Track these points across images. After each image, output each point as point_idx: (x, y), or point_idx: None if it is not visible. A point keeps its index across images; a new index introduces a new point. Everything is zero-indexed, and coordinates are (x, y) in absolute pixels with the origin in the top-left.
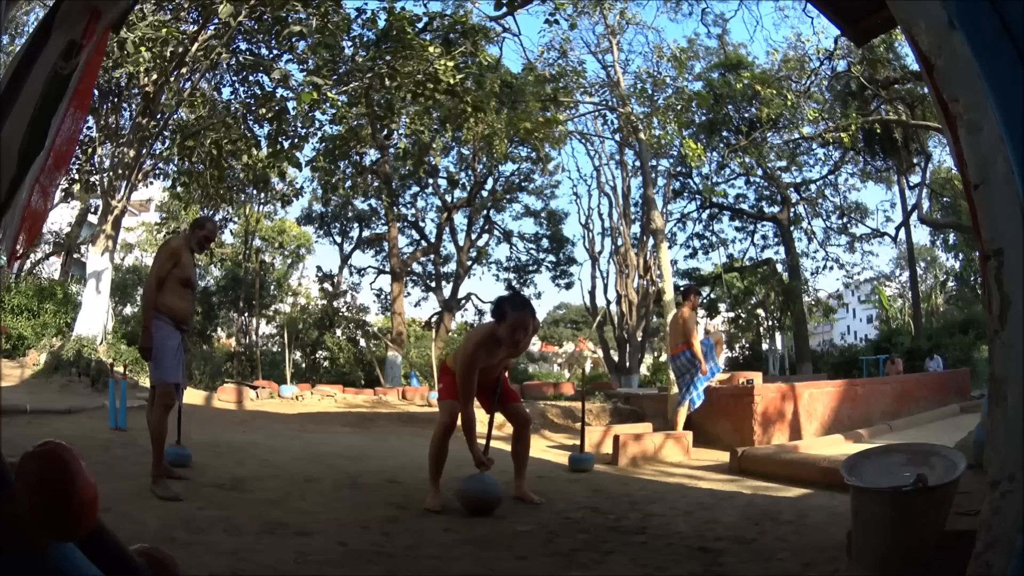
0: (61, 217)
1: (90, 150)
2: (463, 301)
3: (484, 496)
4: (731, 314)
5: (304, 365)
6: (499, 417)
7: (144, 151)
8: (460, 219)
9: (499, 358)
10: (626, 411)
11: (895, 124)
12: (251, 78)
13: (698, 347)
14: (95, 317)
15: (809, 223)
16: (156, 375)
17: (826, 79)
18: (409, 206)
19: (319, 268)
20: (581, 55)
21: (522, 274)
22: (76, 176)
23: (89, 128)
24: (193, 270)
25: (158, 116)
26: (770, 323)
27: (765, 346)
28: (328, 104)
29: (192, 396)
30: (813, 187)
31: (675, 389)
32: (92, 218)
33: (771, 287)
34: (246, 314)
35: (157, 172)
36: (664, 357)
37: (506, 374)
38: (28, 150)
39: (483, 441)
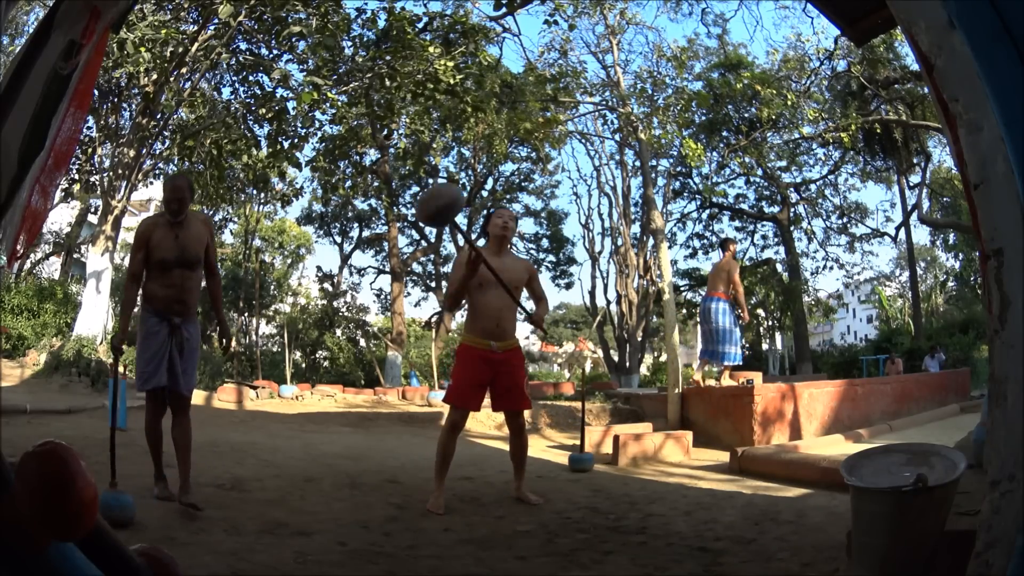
0: (61, 217)
1: (90, 150)
2: (463, 301)
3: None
4: None
5: (304, 365)
6: (499, 417)
7: (144, 151)
8: (460, 219)
9: (501, 265)
10: (626, 411)
11: (895, 124)
12: (251, 78)
13: (742, 293)
14: (95, 317)
15: (809, 223)
16: (135, 381)
17: (826, 79)
18: (409, 206)
19: (319, 268)
20: (581, 55)
21: None
22: (76, 176)
23: (89, 128)
24: (176, 244)
25: (158, 116)
26: (770, 323)
27: (765, 346)
28: (328, 104)
29: (192, 396)
30: (813, 187)
31: (676, 389)
32: (92, 218)
33: (771, 287)
34: (246, 314)
35: (157, 172)
36: (664, 357)
37: (525, 379)
38: (28, 150)
39: (484, 442)
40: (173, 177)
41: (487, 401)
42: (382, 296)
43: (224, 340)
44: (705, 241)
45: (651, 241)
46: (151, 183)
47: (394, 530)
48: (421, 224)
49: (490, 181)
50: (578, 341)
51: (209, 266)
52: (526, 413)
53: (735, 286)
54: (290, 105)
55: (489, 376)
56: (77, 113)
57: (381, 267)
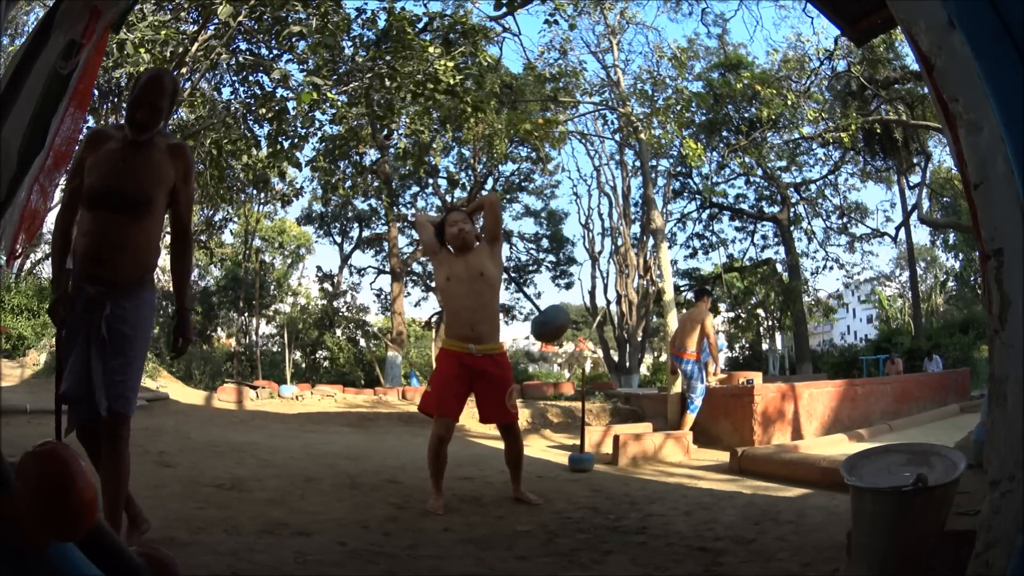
0: None
1: None
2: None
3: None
4: (731, 314)
5: (304, 365)
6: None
7: None
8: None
9: (467, 264)
10: (626, 411)
11: (895, 124)
12: (251, 78)
13: (715, 350)
14: None
15: (809, 223)
16: None
17: (826, 79)
18: (409, 206)
19: (319, 268)
20: (581, 55)
21: (522, 274)
22: None
23: (89, 128)
24: (116, 172)
25: None
26: (770, 323)
27: (765, 346)
28: (328, 104)
29: (192, 396)
30: (813, 187)
31: (676, 390)
32: None
33: (771, 287)
34: (246, 314)
35: None
36: (664, 357)
37: (510, 390)
38: (28, 150)
39: (483, 442)
40: (156, 71)
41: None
42: (382, 296)
43: (178, 335)
44: (705, 241)
45: (651, 241)
46: None
47: (394, 530)
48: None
49: (490, 181)
50: (578, 341)
51: (177, 220)
52: (524, 414)
53: (709, 339)
54: (290, 105)
55: (467, 381)
56: (77, 113)
57: (381, 267)
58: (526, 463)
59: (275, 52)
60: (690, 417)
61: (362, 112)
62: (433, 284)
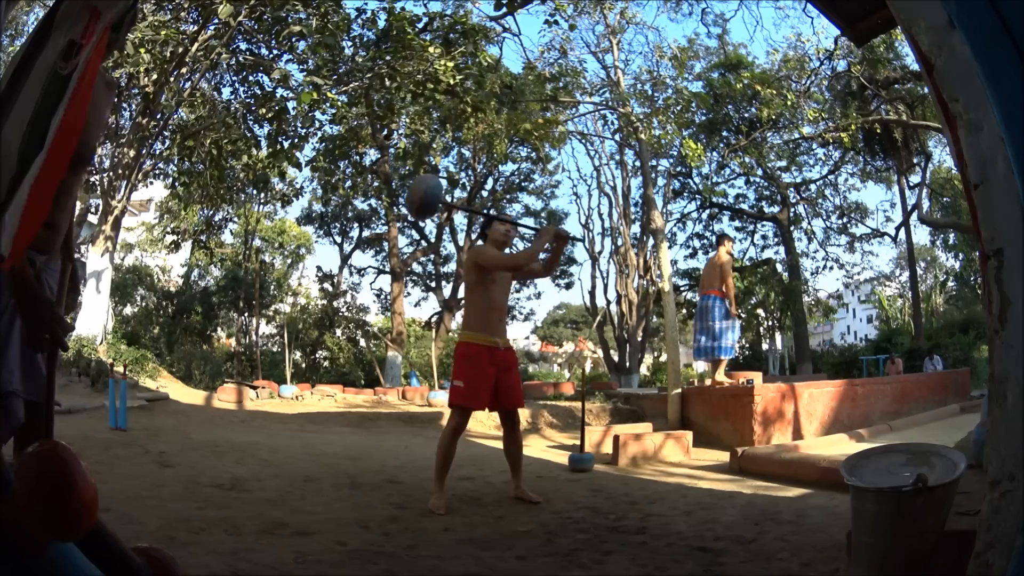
0: None
1: None
2: (463, 301)
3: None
4: None
5: (304, 365)
6: (496, 418)
7: (144, 151)
8: (460, 219)
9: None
10: (626, 411)
11: (895, 124)
12: (251, 78)
13: (732, 291)
14: (95, 317)
15: (809, 223)
16: None
17: (826, 79)
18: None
19: (319, 268)
20: (581, 55)
21: None
22: None
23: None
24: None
25: (158, 116)
26: (770, 323)
27: (765, 346)
28: (328, 104)
29: (192, 396)
30: (813, 187)
31: (676, 390)
32: (92, 218)
33: (771, 287)
34: (246, 314)
35: (157, 172)
36: (664, 357)
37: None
38: (28, 150)
39: (484, 442)
40: None
41: None
42: (382, 296)
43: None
44: (705, 241)
45: (651, 241)
46: (151, 183)
47: (394, 530)
48: (414, 218)
49: (490, 181)
50: (578, 341)
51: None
52: (524, 414)
53: (727, 280)
54: (290, 105)
55: (495, 374)
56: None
57: (381, 267)
58: (526, 463)
59: (275, 52)
60: (722, 364)
61: (362, 112)
62: (433, 285)
